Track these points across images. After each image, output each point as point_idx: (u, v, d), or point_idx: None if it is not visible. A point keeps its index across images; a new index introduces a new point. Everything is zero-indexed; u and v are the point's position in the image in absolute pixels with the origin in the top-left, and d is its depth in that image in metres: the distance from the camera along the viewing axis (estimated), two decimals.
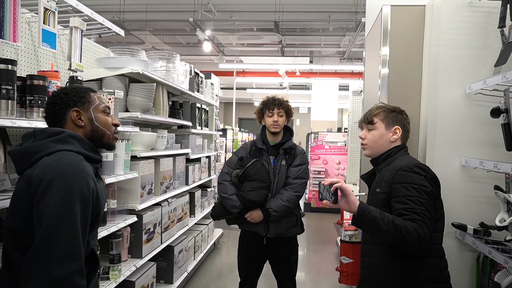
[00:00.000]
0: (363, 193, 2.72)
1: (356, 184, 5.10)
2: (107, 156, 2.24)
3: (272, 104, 2.47)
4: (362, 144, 1.73)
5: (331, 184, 1.45)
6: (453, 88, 1.94)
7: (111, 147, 1.42)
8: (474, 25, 1.93)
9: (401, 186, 1.47)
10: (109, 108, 1.41)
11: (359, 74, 10.93)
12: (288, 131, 2.57)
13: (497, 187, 1.65)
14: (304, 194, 6.61)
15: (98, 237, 2.02)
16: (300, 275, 3.29)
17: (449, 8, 1.96)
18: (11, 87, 1.57)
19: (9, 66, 1.57)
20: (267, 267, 2.59)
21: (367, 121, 1.70)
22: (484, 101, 1.85)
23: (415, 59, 2.12)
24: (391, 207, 1.48)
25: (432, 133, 1.98)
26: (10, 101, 1.57)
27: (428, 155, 1.96)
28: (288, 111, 2.51)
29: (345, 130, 9.12)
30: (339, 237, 4.86)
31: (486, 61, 1.89)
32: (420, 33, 2.12)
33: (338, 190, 1.43)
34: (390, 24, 2.16)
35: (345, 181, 6.74)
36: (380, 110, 1.68)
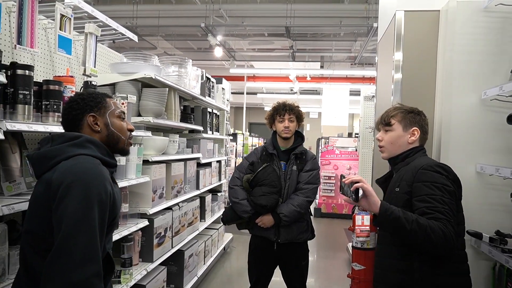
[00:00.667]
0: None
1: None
2: (120, 160, 2.26)
3: (283, 109, 2.47)
4: (379, 147, 1.69)
5: (352, 182, 1.43)
6: (468, 94, 1.91)
7: (125, 152, 1.43)
8: (489, 30, 1.90)
9: (422, 185, 1.43)
10: (124, 113, 1.43)
11: (370, 79, 10.88)
12: (299, 136, 2.56)
13: None
14: (315, 199, 6.57)
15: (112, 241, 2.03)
16: (310, 281, 3.27)
17: (464, 13, 1.94)
18: (28, 92, 1.60)
19: (27, 71, 1.60)
20: (277, 272, 2.57)
21: (384, 123, 1.66)
22: (500, 107, 1.82)
23: (429, 65, 2.09)
24: (413, 206, 1.44)
25: (447, 140, 1.95)
26: (27, 105, 1.61)
27: (442, 161, 1.93)
28: (299, 117, 2.51)
29: (356, 135, 9.07)
30: (350, 243, 4.82)
31: (502, 66, 1.86)
32: (434, 39, 2.10)
33: (360, 189, 1.41)
34: (403, 29, 2.15)
35: None
36: (398, 111, 1.64)
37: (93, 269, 1.11)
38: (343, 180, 1.50)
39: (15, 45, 1.68)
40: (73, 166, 1.18)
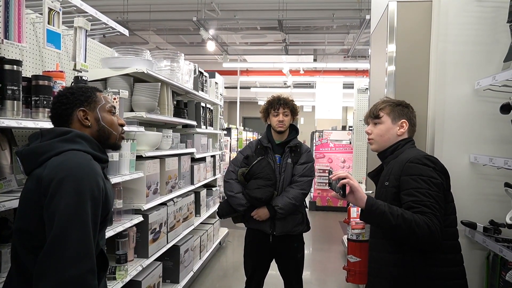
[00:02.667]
0: (370, 191, 2.70)
1: (362, 182, 5.08)
2: (113, 156, 2.24)
3: (277, 103, 2.46)
4: (368, 139, 1.71)
5: (339, 178, 1.44)
6: (461, 84, 1.92)
7: (117, 147, 1.41)
8: (482, 20, 1.90)
9: (409, 178, 1.44)
10: (115, 108, 1.40)
11: (364, 72, 10.89)
12: (293, 129, 2.56)
13: (507, 184, 1.63)
14: (309, 192, 6.59)
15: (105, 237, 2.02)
16: (306, 274, 3.28)
17: (456, 4, 1.93)
18: (16, 88, 1.57)
19: (15, 66, 1.57)
20: (273, 266, 2.58)
21: (373, 116, 1.68)
22: (493, 97, 1.82)
23: (422, 56, 2.09)
24: (401, 199, 1.46)
25: (440, 130, 1.95)
26: (15, 101, 1.57)
27: (436, 152, 1.94)
28: (293, 110, 2.50)
29: (350, 128, 9.09)
30: (345, 236, 4.84)
31: (495, 56, 1.86)
32: (427, 29, 2.09)
33: (346, 185, 1.42)
34: (396, 20, 2.14)
35: None
36: (386, 104, 1.67)
37: (87, 265, 1.10)
38: (330, 176, 1.51)
39: (2, 40, 1.65)
40: (64, 162, 1.16)
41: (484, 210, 1.86)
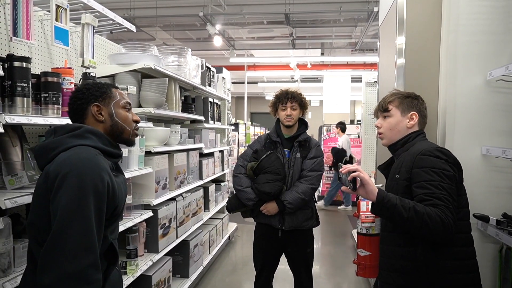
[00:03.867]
0: (380, 185, 2.68)
1: (371, 176, 5.05)
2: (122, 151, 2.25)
3: (285, 97, 2.45)
4: (378, 134, 1.68)
5: (349, 172, 1.42)
6: (473, 76, 1.88)
7: (130, 143, 1.42)
8: (494, 9, 1.86)
9: (421, 171, 1.42)
10: (129, 104, 1.42)
11: (372, 65, 10.79)
12: (303, 123, 2.54)
13: None
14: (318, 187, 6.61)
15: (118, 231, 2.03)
16: (315, 268, 3.28)
17: None
18: (26, 85, 1.58)
19: (24, 63, 1.58)
20: (283, 260, 2.58)
21: (382, 109, 1.65)
22: (506, 87, 1.79)
23: (432, 47, 2.06)
24: (412, 192, 1.44)
25: (452, 122, 1.92)
26: (25, 98, 1.59)
27: (448, 144, 1.91)
28: (302, 104, 2.48)
29: (358, 122, 9.03)
30: (354, 230, 4.83)
31: (507, 46, 1.82)
32: (437, 20, 2.05)
33: (357, 178, 1.41)
34: (406, 12, 2.10)
35: None
36: (395, 97, 1.63)
37: (89, 259, 1.10)
38: (340, 170, 1.49)
39: (11, 37, 1.66)
40: (70, 157, 1.17)
41: (497, 203, 1.83)
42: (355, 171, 1.43)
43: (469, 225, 1.49)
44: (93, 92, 1.32)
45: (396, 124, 1.61)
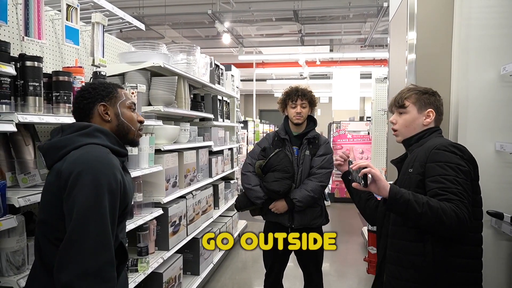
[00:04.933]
0: (391, 182, 2.66)
1: (381, 173, 5.00)
2: (132, 150, 2.26)
3: (295, 95, 2.43)
4: (393, 130, 1.64)
5: (360, 168, 1.40)
6: (486, 70, 1.85)
7: (135, 143, 1.43)
8: (508, 2, 1.82)
9: (436, 165, 1.39)
10: (134, 104, 1.42)
11: (381, 61, 10.67)
12: (311, 120, 2.52)
13: None
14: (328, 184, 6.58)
15: (126, 230, 2.05)
16: (325, 266, 3.26)
17: None
18: (38, 84, 1.60)
19: (35, 63, 1.60)
20: (293, 257, 2.57)
21: (397, 105, 1.60)
22: None
23: (444, 42, 2.03)
24: (426, 187, 1.40)
25: (464, 118, 1.89)
26: (37, 97, 1.60)
27: (460, 140, 1.88)
28: (311, 102, 2.46)
29: (368, 118, 8.96)
30: (365, 227, 4.79)
31: None
32: (449, 15, 2.02)
33: (368, 175, 1.39)
34: (417, 7, 2.07)
35: None
36: (412, 93, 1.58)
37: (106, 257, 1.12)
38: (351, 166, 1.47)
39: (23, 37, 1.68)
40: (83, 155, 1.18)
41: (511, 199, 1.79)
42: (366, 167, 1.41)
43: (481, 225, 1.47)
44: (99, 92, 1.33)
45: (412, 121, 1.57)
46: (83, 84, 1.87)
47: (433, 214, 1.30)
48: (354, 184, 1.48)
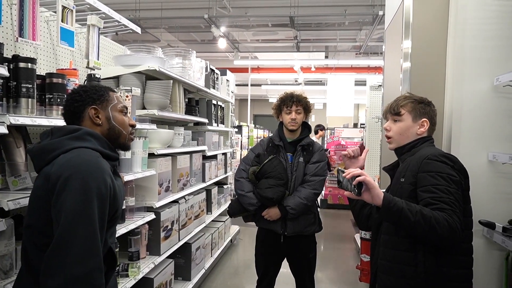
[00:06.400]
0: (383, 190, 2.66)
1: (375, 181, 5.02)
2: (125, 153, 2.25)
3: (290, 101, 2.43)
4: (387, 137, 1.65)
5: (354, 176, 1.39)
6: (479, 81, 1.86)
7: (126, 147, 1.41)
8: (501, 14, 1.84)
9: (427, 175, 1.40)
10: (126, 108, 1.41)
11: (376, 69, 10.76)
12: (306, 127, 2.52)
13: None
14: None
15: (117, 235, 2.02)
16: (318, 273, 3.25)
17: None
18: (31, 86, 1.58)
19: (29, 64, 1.58)
20: (285, 264, 2.56)
21: (393, 112, 1.61)
22: None
23: (438, 52, 2.04)
24: (418, 196, 1.41)
25: (458, 128, 1.90)
26: (30, 99, 1.59)
27: (453, 150, 1.89)
28: (306, 108, 2.46)
29: (362, 125, 9.00)
30: (357, 234, 4.80)
31: None
32: (444, 25, 2.04)
33: (362, 183, 1.38)
34: (412, 16, 2.09)
35: None
36: (408, 101, 1.59)
37: (94, 262, 1.10)
38: (343, 174, 1.45)
39: (17, 38, 1.66)
40: (72, 159, 1.16)
41: (503, 209, 1.80)
42: (360, 175, 1.40)
43: (471, 235, 1.48)
44: (90, 95, 1.31)
45: (406, 129, 1.58)
46: (76, 87, 1.86)
47: (426, 223, 1.30)
48: (346, 193, 1.46)
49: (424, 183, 1.40)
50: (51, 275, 1.06)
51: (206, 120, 3.71)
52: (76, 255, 1.07)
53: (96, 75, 2.12)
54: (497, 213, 1.79)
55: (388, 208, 1.36)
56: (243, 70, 11.53)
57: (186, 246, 3.21)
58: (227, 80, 4.73)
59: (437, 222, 1.29)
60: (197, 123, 3.78)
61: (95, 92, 1.32)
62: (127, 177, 2.18)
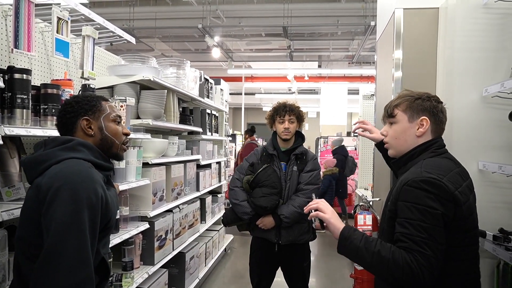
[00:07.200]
0: (377, 199, 2.68)
1: (367, 189, 5.05)
2: (119, 163, 2.25)
3: (283, 110, 2.45)
4: (384, 142, 1.47)
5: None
6: (469, 91, 1.91)
7: (118, 157, 1.40)
8: (489, 27, 1.90)
9: (404, 205, 1.20)
10: (120, 117, 1.40)
11: (368, 78, 10.88)
12: (299, 136, 2.55)
13: None
14: None
15: (111, 245, 2.02)
16: (312, 281, 3.25)
17: (464, 10, 1.93)
18: (26, 96, 1.59)
19: (24, 75, 1.59)
20: (280, 272, 2.56)
21: (387, 114, 1.39)
22: (501, 104, 1.81)
23: (429, 62, 2.09)
24: (395, 228, 1.24)
25: (448, 138, 1.92)
26: (25, 110, 1.59)
27: None
28: (299, 117, 2.49)
29: (355, 134, 9.06)
30: None
31: (502, 63, 1.85)
32: (433, 36, 2.09)
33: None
34: (403, 27, 2.14)
35: (356, 186, 6.56)
36: (402, 100, 1.35)
37: (84, 273, 1.09)
38: (304, 209, 1.39)
39: (12, 49, 1.67)
40: (62, 170, 1.15)
41: (494, 218, 1.83)
42: (317, 209, 1.31)
43: (477, 266, 1.30)
44: (82, 106, 1.31)
45: (402, 132, 1.34)
46: (69, 97, 1.86)
47: (384, 267, 1.16)
48: (316, 224, 1.41)
49: (400, 214, 1.21)
50: (41, 287, 1.06)
51: (200, 129, 3.72)
52: (66, 266, 1.06)
53: (91, 85, 2.13)
54: (488, 221, 1.82)
55: (344, 245, 1.25)
56: (237, 79, 11.59)
57: (180, 256, 3.20)
58: (221, 89, 4.75)
59: (397, 267, 1.14)
60: (191, 132, 3.79)
61: (87, 103, 1.32)
62: (121, 187, 2.18)
